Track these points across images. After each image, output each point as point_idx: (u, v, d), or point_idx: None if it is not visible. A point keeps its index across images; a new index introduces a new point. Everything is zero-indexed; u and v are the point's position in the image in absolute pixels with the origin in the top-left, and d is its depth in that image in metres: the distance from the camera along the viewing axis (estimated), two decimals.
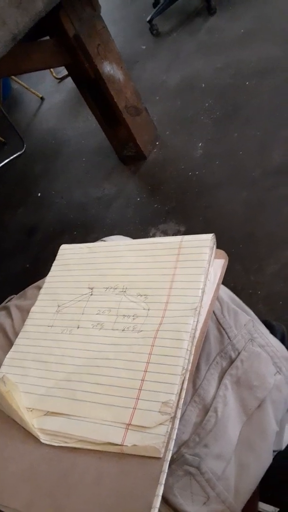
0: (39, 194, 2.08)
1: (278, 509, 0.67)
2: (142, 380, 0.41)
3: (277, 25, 1.90)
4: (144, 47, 2.52)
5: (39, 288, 0.60)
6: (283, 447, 0.54)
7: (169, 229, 1.43)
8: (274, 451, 0.49)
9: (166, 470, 0.35)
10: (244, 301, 0.56)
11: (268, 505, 0.67)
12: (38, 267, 1.66)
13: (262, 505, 0.67)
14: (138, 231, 1.51)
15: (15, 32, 0.91)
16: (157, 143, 1.79)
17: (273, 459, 0.50)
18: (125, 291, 0.51)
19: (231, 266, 1.15)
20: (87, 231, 1.68)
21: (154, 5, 2.70)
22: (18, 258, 1.79)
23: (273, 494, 0.74)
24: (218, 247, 0.52)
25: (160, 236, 1.43)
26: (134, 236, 1.34)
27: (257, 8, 2.09)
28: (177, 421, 0.38)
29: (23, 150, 2.48)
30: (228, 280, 1.15)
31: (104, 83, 1.49)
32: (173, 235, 1.40)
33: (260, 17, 2.02)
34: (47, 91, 2.93)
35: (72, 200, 1.90)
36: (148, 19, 2.47)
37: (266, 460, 0.45)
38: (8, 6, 0.88)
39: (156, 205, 1.55)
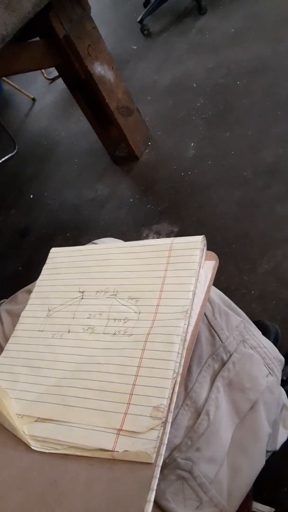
0: (31, 196, 2.07)
1: (273, 509, 0.67)
2: (133, 384, 0.41)
3: (268, 24, 1.90)
4: (135, 47, 2.52)
5: (30, 292, 0.60)
6: (278, 447, 0.54)
7: (162, 229, 1.43)
8: (268, 451, 0.49)
9: (158, 476, 0.35)
10: (237, 301, 0.56)
11: (264, 505, 0.67)
12: (31, 270, 1.65)
13: (257, 505, 0.67)
14: (131, 232, 1.50)
15: (4, 33, 0.90)
16: (149, 143, 1.79)
17: (268, 459, 0.49)
18: (116, 295, 0.51)
19: (224, 266, 1.16)
20: (80, 233, 1.68)
21: (145, 5, 2.70)
22: (10, 261, 1.78)
23: (268, 494, 0.74)
24: (211, 247, 0.52)
25: (153, 236, 1.43)
26: (127, 237, 1.34)
27: (247, 7, 2.09)
28: (168, 426, 0.38)
29: (14, 152, 2.47)
30: (221, 280, 1.15)
31: (95, 84, 1.48)
32: (166, 236, 1.40)
33: (251, 16, 2.02)
34: (39, 92, 2.92)
35: (65, 201, 1.89)
36: (139, 19, 2.47)
37: (259, 462, 0.45)
38: None
39: (149, 206, 1.55)
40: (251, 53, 1.82)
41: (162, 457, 0.36)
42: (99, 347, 0.46)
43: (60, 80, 2.66)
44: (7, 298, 0.67)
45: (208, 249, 0.52)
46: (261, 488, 0.58)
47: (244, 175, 1.38)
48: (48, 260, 0.62)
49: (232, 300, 0.56)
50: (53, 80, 2.90)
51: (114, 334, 0.47)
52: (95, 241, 0.67)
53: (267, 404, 0.46)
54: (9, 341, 0.54)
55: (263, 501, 0.67)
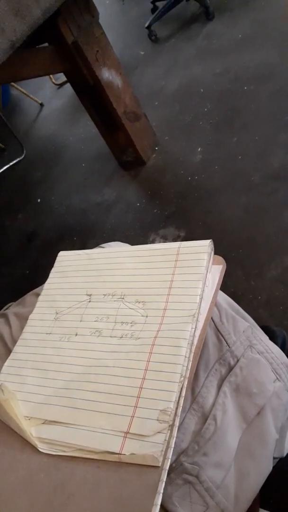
0: (38, 200, 2.09)
1: None
2: (140, 387, 0.41)
3: (275, 30, 1.91)
4: (143, 53, 2.53)
5: (38, 295, 0.60)
6: (285, 453, 0.53)
7: (169, 234, 1.43)
8: (275, 458, 0.49)
9: (165, 479, 0.35)
10: (244, 306, 0.56)
11: None
12: (38, 273, 1.66)
13: None
14: (138, 236, 1.51)
15: (13, 39, 0.92)
16: (156, 148, 1.80)
17: (275, 466, 0.49)
18: (123, 298, 0.51)
19: (231, 271, 1.16)
20: (87, 237, 1.68)
21: (153, 11, 2.72)
22: (18, 264, 1.79)
23: (275, 501, 0.73)
24: (218, 251, 0.52)
25: (160, 241, 1.43)
26: (133, 241, 1.34)
27: (254, 13, 2.10)
28: (175, 429, 0.38)
29: (22, 156, 2.49)
30: (229, 285, 1.15)
31: (103, 89, 1.49)
32: (173, 240, 1.40)
33: (258, 22, 2.03)
34: (47, 97, 2.95)
35: (72, 205, 1.90)
36: (146, 25, 2.49)
37: (266, 468, 0.45)
38: (6, 14, 0.89)
39: (155, 210, 1.55)
40: (258, 59, 1.83)
41: (169, 460, 0.36)
42: (106, 350, 0.47)
43: (68, 85, 2.68)
44: (15, 301, 0.67)
45: (215, 253, 0.52)
46: (267, 494, 0.58)
47: (251, 180, 1.38)
48: (56, 264, 0.62)
49: (239, 305, 0.56)
50: (61, 85, 2.93)
51: (121, 337, 0.47)
52: (102, 245, 0.68)
53: (275, 409, 0.46)
54: (17, 344, 0.54)
55: (269, 508, 0.66)
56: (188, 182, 1.55)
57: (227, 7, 2.31)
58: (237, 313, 0.53)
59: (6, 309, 0.66)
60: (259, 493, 0.46)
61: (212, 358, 0.47)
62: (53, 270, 0.62)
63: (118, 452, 0.37)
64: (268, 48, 1.84)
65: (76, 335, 0.50)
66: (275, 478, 0.49)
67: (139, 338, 0.46)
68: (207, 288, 0.48)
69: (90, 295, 0.54)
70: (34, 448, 0.41)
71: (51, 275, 0.61)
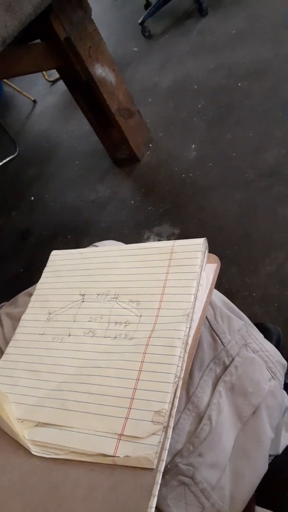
0: (32, 198, 2.07)
1: None
2: (134, 388, 0.40)
3: (269, 26, 1.90)
4: (136, 49, 2.52)
5: (30, 295, 0.59)
6: (280, 451, 0.53)
7: (164, 231, 1.43)
8: (270, 455, 0.49)
9: (160, 481, 0.35)
10: (239, 304, 0.56)
11: (266, 510, 0.67)
12: (32, 272, 1.65)
13: (260, 510, 0.67)
14: (132, 234, 1.50)
15: (4, 35, 0.90)
16: (150, 145, 1.79)
17: (271, 463, 0.49)
18: (117, 298, 0.50)
19: (226, 268, 1.16)
20: (81, 235, 1.67)
21: (146, 7, 2.70)
22: (11, 263, 1.78)
23: (271, 498, 0.73)
24: (212, 248, 0.52)
25: (154, 238, 1.43)
26: (128, 239, 1.34)
27: (248, 9, 2.09)
28: (170, 431, 0.37)
29: (16, 154, 2.47)
30: (224, 282, 1.15)
31: (96, 86, 1.48)
32: (167, 238, 1.39)
33: (252, 18, 2.02)
34: (40, 94, 2.93)
35: (66, 203, 1.89)
36: (140, 21, 2.48)
37: (261, 468, 0.45)
38: None
39: (150, 208, 1.54)
40: (252, 55, 1.82)
41: (164, 462, 0.36)
42: (100, 351, 0.46)
43: (61, 82, 2.66)
44: (7, 300, 0.66)
45: (209, 251, 0.51)
46: (263, 493, 0.57)
47: (246, 176, 1.37)
48: (48, 263, 0.61)
49: (234, 302, 0.56)
50: (54, 82, 2.91)
51: (115, 337, 0.46)
52: (96, 244, 0.67)
53: (270, 408, 0.46)
54: (9, 345, 0.53)
55: (266, 506, 0.66)
56: (182, 179, 1.55)
57: (220, 3, 2.30)
58: (232, 311, 0.52)
59: None
60: (255, 492, 0.46)
61: (207, 358, 0.46)
62: (46, 269, 0.61)
63: (112, 454, 0.37)
64: (262, 44, 1.83)
65: (69, 335, 0.50)
66: (271, 475, 0.49)
67: (133, 338, 0.45)
68: (202, 287, 0.48)
69: (84, 295, 0.54)
70: (27, 451, 0.41)
71: (43, 274, 0.60)
